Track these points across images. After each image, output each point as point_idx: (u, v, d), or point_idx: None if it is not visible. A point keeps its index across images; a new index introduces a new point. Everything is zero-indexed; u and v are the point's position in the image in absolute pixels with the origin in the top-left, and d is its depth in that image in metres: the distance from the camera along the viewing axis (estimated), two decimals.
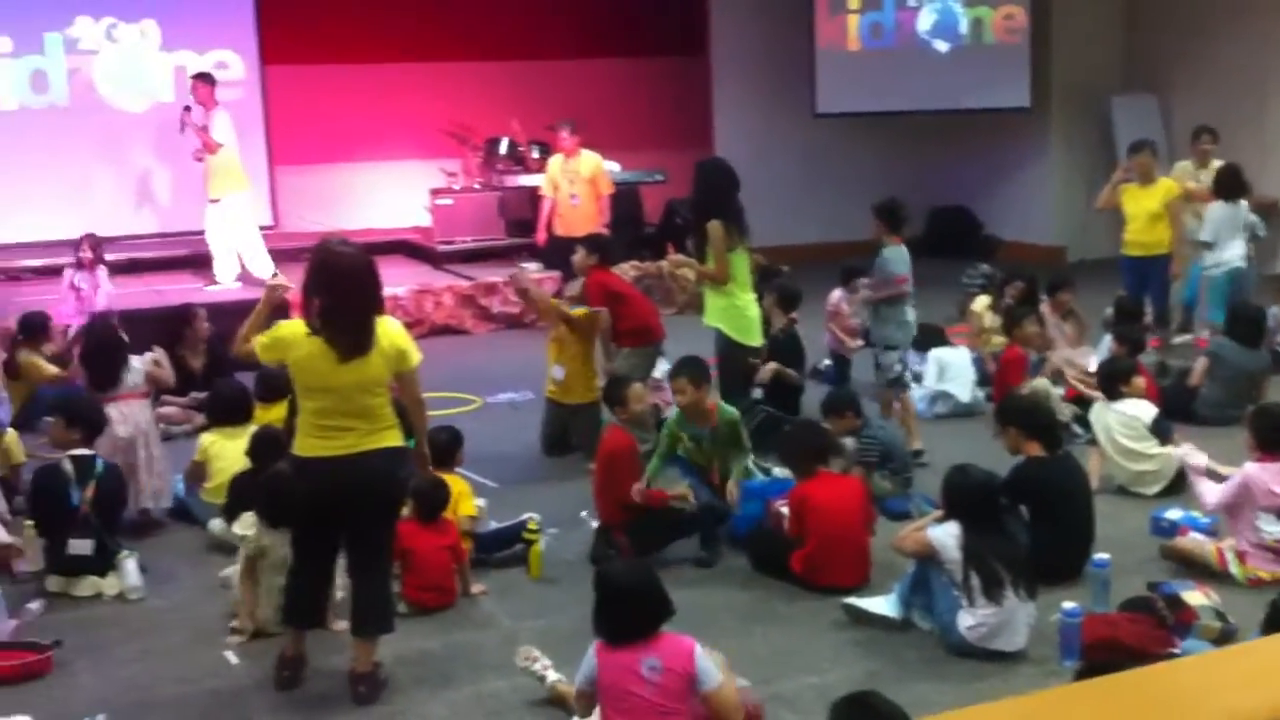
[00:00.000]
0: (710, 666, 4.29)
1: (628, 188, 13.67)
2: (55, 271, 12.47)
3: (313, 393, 4.90)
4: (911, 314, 7.91)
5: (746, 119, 15.68)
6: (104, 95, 14.14)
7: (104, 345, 7.60)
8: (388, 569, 5.28)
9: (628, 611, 4.28)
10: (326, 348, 4.81)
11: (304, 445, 4.95)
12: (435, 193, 13.91)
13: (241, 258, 12.31)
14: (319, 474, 4.92)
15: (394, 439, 5.00)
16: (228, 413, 7.36)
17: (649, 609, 4.29)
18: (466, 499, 6.39)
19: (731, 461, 6.58)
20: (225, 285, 12.20)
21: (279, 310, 5.05)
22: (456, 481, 6.39)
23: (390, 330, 4.97)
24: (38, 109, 13.90)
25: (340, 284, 4.85)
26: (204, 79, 12.21)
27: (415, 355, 5.04)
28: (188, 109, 12.05)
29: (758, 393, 8.15)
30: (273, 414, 7.41)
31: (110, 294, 10.86)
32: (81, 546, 6.23)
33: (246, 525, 5.71)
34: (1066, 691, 2.92)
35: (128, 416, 7.21)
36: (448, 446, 6.54)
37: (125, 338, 7.73)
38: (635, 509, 6.29)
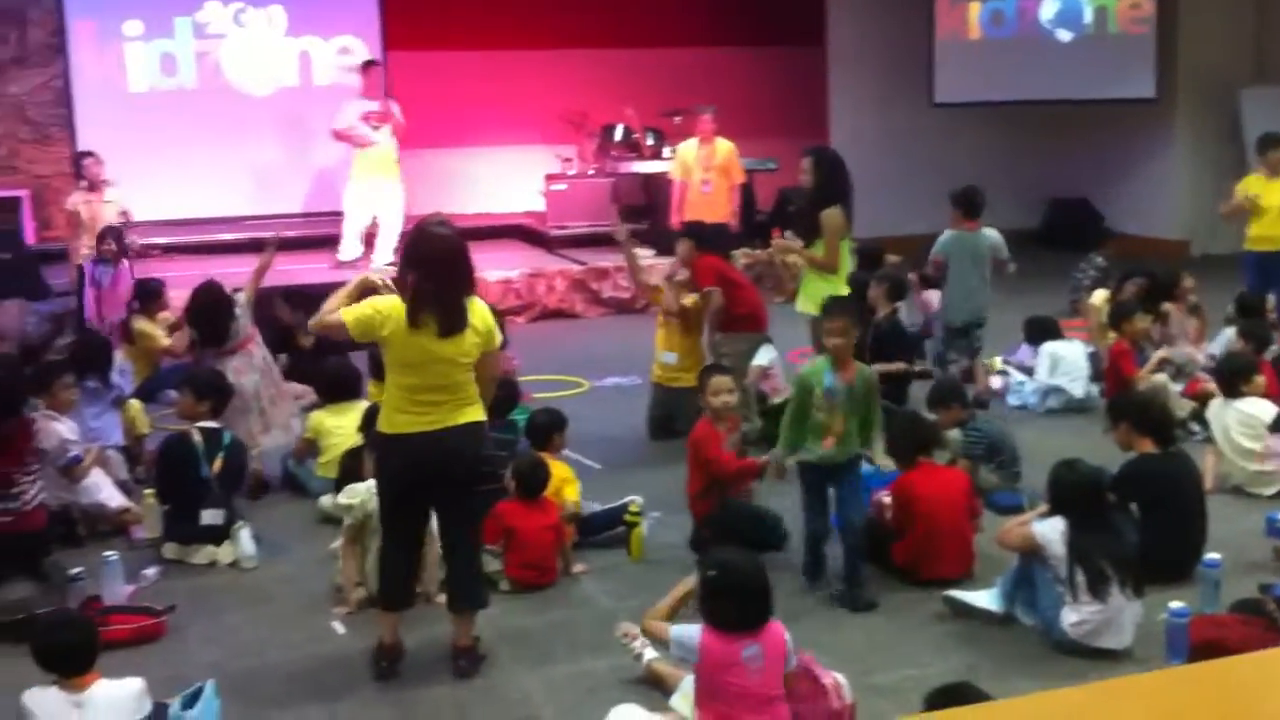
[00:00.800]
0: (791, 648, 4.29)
1: None
2: (181, 249, 12.86)
3: (406, 369, 4.98)
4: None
5: (862, 109, 15.55)
6: (230, 79, 14.49)
7: (209, 303, 7.80)
8: (477, 544, 5.38)
9: (743, 601, 4.26)
10: (423, 325, 4.90)
11: (393, 421, 5.04)
12: (550, 178, 14.03)
13: (374, 239, 12.50)
14: (408, 449, 5.00)
15: (477, 413, 5.09)
16: (337, 390, 7.51)
17: (762, 601, 4.28)
18: (570, 485, 6.44)
19: (869, 429, 5.89)
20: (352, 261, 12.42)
21: (366, 294, 5.13)
22: (559, 467, 6.44)
23: (481, 309, 5.08)
24: (166, 91, 14.29)
25: (435, 263, 4.95)
26: (373, 66, 12.35)
27: (500, 335, 5.24)
28: (371, 114, 12.18)
29: None
30: None
31: (130, 288, 10.24)
32: (214, 517, 6.44)
33: (351, 495, 5.82)
34: (1164, 676, 2.85)
35: (245, 365, 7.47)
36: (546, 429, 6.60)
37: (229, 293, 7.87)
38: (715, 501, 6.25)
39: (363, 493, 5.71)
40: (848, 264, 7.78)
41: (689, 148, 11.85)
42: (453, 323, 4.92)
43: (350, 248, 12.54)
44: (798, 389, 5.85)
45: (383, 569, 5.29)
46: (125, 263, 10.49)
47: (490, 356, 5.16)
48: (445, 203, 14.35)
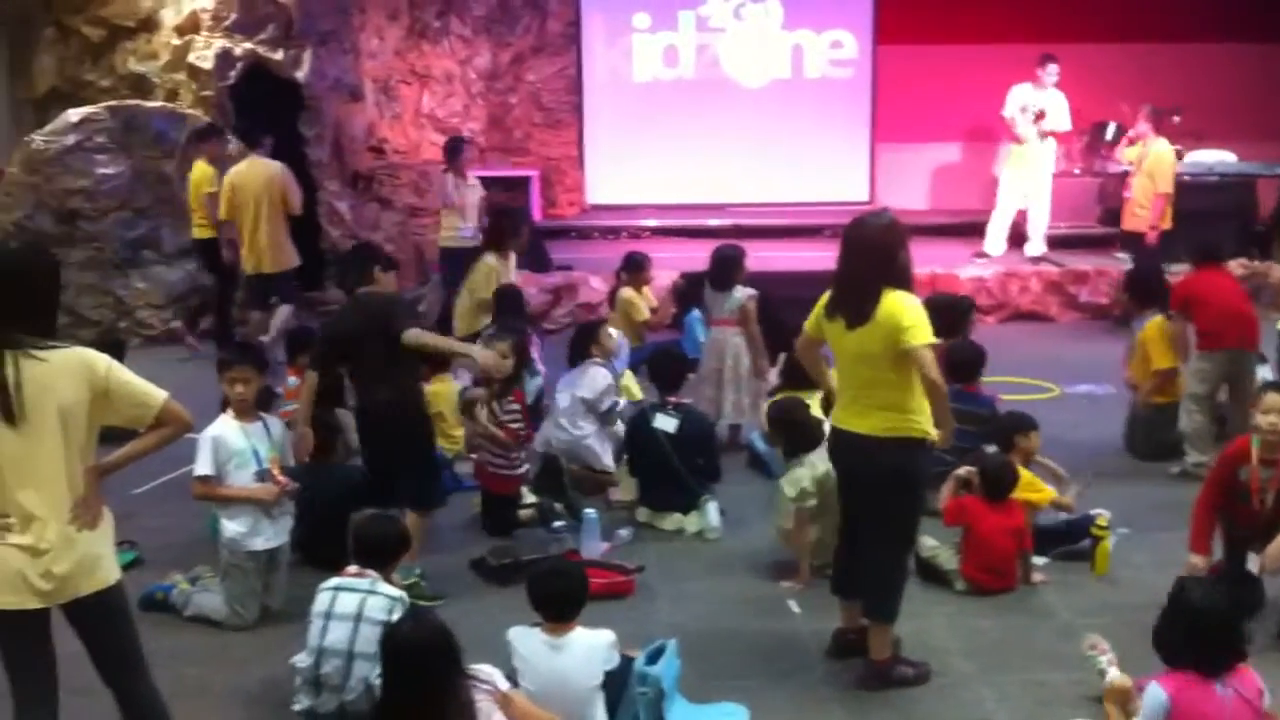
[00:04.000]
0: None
1: (1241, 180, 12.75)
2: (671, 232, 13.53)
3: (836, 361, 5.05)
4: None
5: None
6: (726, 71, 15.06)
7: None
8: (890, 555, 5.02)
9: (1222, 642, 4.05)
10: (836, 316, 4.92)
11: (834, 414, 5.10)
12: None
13: (1026, 229, 12.62)
14: (836, 444, 5.08)
15: (892, 425, 4.80)
16: (801, 377, 7.64)
17: (1237, 639, 4.07)
18: (1036, 489, 6.28)
19: None
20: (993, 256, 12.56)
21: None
22: (1025, 472, 6.30)
23: (895, 304, 4.74)
24: (666, 81, 15.06)
25: (851, 253, 4.90)
26: (1049, 60, 12.28)
27: (918, 333, 4.69)
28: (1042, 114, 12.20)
29: None
30: None
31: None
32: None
33: (796, 481, 5.97)
34: None
35: (718, 343, 7.93)
36: (1008, 430, 6.48)
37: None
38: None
39: (822, 474, 5.82)
40: None
41: (1135, 149, 11.40)
42: (857, 315, 4.82)
43: (995, 242, 12.63)
44: None
45: (836, 554, 5.38)
46: None
47: (914, 356, 4.70)
48: (928, 198, 14.35)
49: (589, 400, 7.31)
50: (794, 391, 7.19)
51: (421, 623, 4.06)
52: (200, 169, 10.65)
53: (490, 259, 8.89)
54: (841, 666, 5.21)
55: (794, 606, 5.78)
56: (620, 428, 7.40)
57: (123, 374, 3.85)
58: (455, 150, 11.08)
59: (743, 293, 7.98)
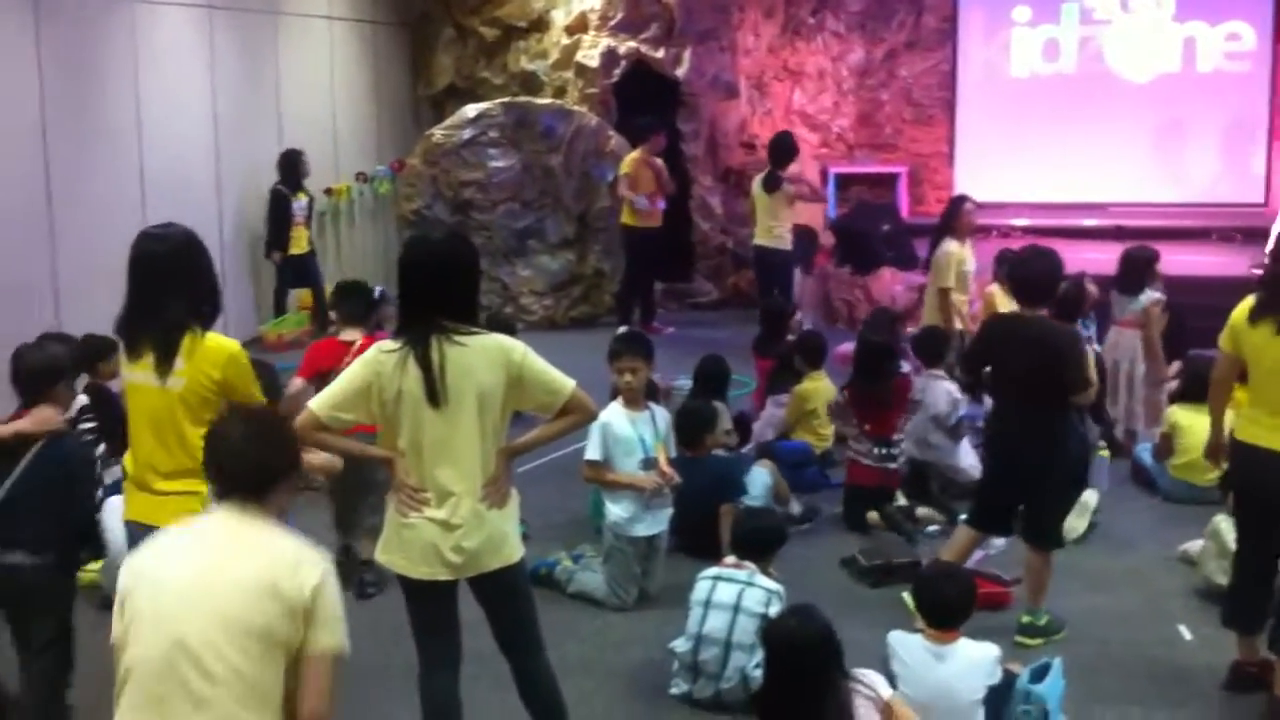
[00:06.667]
0: None
1: None
2: (1044, 232, 13.07)
3: (1254, 370, 4.74)
4: None
5: None
6: (1110, 65, 14.41)
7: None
8: None
9: None
10: (1267, 318, 4.62)
11: (1245, 430, 4.78)
12: None
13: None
14: (1242, 461, 4.77)
15: None
16: (1202, 390, 7.25)
17: None
18: None
19: None
20: None
21: None
22: None
23: None
24: (1045, 76, 14.56)
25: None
26: None
27: None
28: None
29: None
30: None
31: None
32: None
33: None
34: None
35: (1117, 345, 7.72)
36: None
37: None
38: None
39: None
40: None
41: None
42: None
43: None
44: None
45: (1230, 586, 5.07)
46: None
47: None
48: None
49: (937, 417, 7.15)
50: (1194, 404, 6.83)
51: (806, 618, 4.08)
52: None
53: (952, 245, 8.64)
54: (1244, 701, 4.91)
55: (1185, 633, 5.50)
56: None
57: (536, 361, 4.01)
58: (788, 152, 10.87)
59: (1148, 296, 7.69)
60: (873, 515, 6.80)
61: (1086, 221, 13.35)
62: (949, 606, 4.46)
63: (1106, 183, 14.08)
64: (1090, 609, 5.77)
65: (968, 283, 8.76)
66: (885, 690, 4.17)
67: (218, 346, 4.08)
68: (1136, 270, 7.82)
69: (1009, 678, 4.51)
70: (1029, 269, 5.50)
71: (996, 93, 14.66)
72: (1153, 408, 7.72)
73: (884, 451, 6.86)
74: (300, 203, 11.22)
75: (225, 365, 4.07)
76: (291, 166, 11.18)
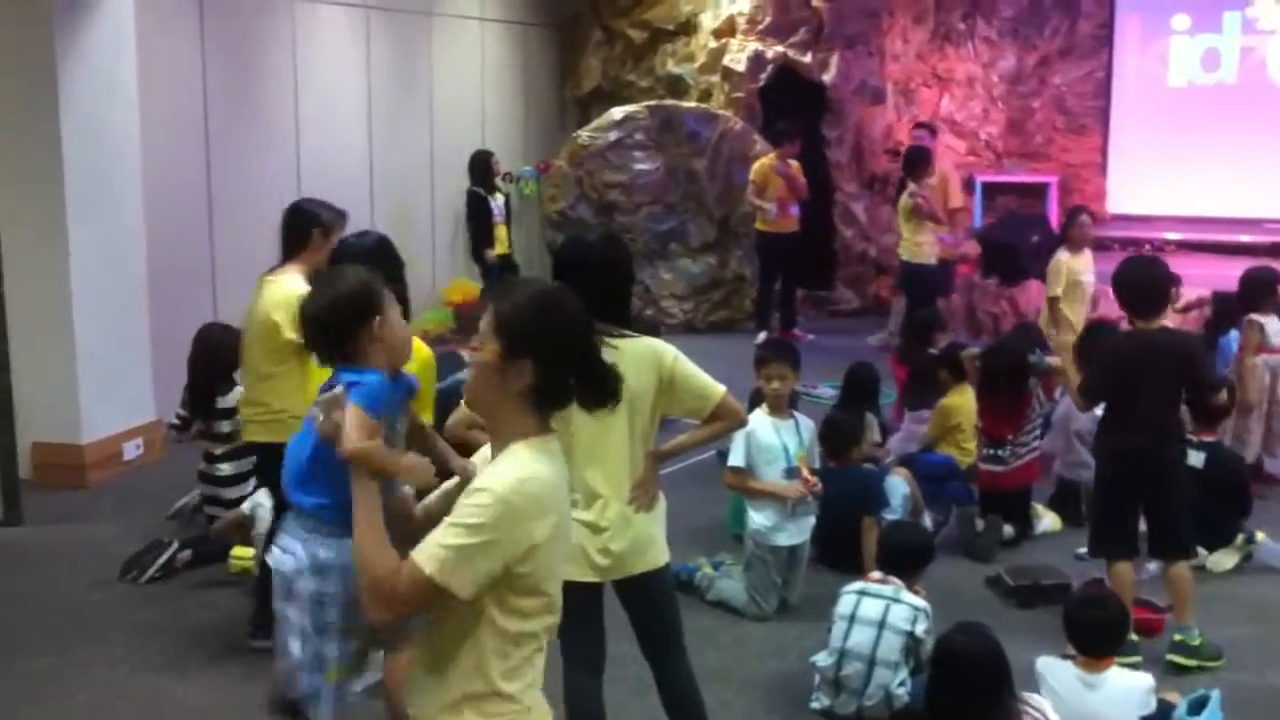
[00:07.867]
0: None
1: None
2: (1197, 247, 12.70)
3: None
4: None
5: None
6: (1274, 76, 13.92)
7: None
8: None
9: None
10: None
11: None
12: None
13: None
14: None
15: None
16: None
17: None
18: None
19: None
20: None
21: None
22: None
23: None
24: (1204, 86, 14.11)
25: None
26: None
27: None
28: None
29: None
30: None
31: None
32: None
33: None
34: None
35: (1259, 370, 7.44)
36: None
37: None
38: None
39: None
40: None
41: None
42: None
43: None
44: None
45: None
46: None
47: None
48: None
49: (1080, 433, 6.95)
50: None
51: (977, 635, 4.00)
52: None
53: (1064, 255, 8.91)
54: None
55: None
56: None
57: (687, 366, 3.99)
58: (915, 164, 10.70)
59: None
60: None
61: (1243, 237, 12.92)
62: (1100, 633, 4.34)
63: (1264, 198, 13.60)
64: (1251, 639, 5.59)
65: (1085, 294, 8.91)
66: (1053, 716, 4.04)
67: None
68: (1257, 291, 7.57)
69: (1165, 708, 4.37)
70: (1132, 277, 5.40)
71: (1153, 102, 14.26)
72: None
73: (992, 453, 6.81)
74: (497, 202, 11.35)
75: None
76: (484, 167, 11.31)
